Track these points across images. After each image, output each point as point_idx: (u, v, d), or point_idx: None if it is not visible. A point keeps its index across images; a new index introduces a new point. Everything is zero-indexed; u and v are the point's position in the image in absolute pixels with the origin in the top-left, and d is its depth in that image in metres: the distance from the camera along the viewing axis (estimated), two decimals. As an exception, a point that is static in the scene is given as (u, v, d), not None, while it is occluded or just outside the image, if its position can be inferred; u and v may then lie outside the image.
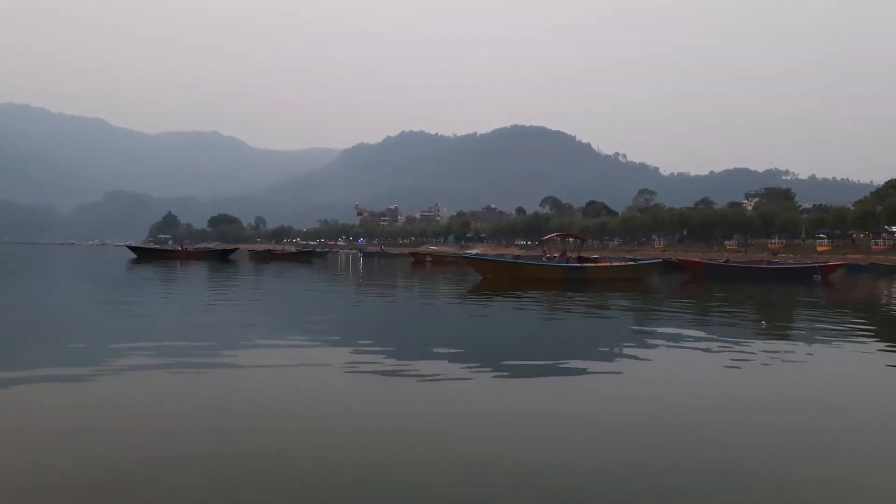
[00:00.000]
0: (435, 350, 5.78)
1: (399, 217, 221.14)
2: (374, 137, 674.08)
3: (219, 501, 2.35)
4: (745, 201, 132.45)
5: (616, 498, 2.44)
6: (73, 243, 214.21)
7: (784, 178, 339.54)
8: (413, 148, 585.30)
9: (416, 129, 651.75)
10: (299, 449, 2.91)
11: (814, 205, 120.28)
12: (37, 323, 7.49)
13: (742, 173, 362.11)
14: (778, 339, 7.23)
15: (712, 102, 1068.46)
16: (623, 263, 23.99)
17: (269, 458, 2.75)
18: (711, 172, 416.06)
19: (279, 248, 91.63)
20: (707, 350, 5.99)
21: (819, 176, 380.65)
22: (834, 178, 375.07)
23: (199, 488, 2.44)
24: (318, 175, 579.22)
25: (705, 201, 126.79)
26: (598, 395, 4.20)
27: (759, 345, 6.46)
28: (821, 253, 77.74)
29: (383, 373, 4.65)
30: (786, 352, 6.09)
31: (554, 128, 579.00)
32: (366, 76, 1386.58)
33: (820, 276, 25.71)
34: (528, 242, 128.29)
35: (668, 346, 6.27)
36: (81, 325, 7.40)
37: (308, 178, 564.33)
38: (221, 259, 39.65)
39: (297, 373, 4.66)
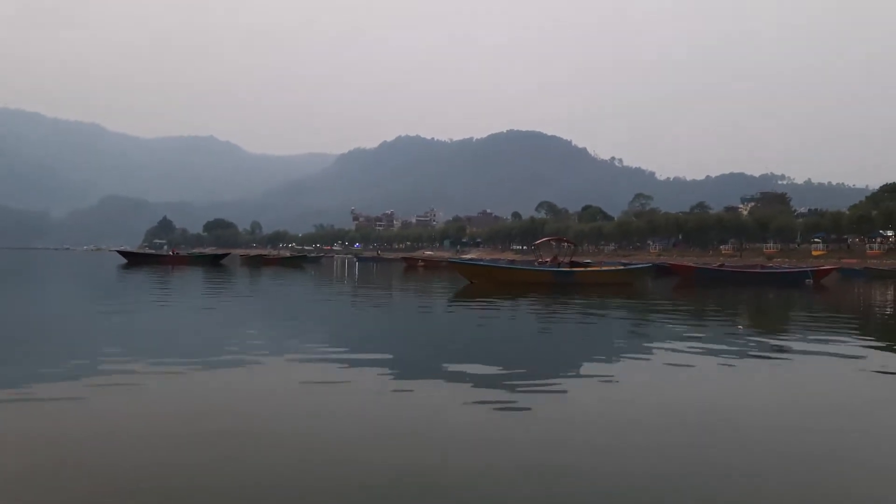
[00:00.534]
0: (410, 355, 5.58)
1: (395, 222, 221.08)
2: (371, 142, 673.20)
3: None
4: (741, 206, 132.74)
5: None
6: (68, 248, 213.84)
7: (780, 182, 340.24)
8: (409, 153, 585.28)
9: (412, 133, 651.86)
10: (280, 460, 2.81)
11: (809, 209, 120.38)
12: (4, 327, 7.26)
13: (738, 178, 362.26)
14: (757, 342, 7.06)
15: (709, 107, 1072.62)
16: (612, 268, 23.86)
17: (251, 471, 2.67)
18: (708, 177, 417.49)
19: (273, 252, 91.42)
20: (682, 352, 5.83)
21: (815, 180, 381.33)
22: (830, 182, 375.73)
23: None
24: (314, 180, 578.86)
25: (701, 206, 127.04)
26: (568, 401, 4.01)
27: (736, 348, 6.32)
28: (816, 257, 77.80)
29: (360, 380, 4.51)
30: (762, 357, 5.93)
31: (550, 132, 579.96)
32: (362, 81, 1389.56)
33: (812, 281, 25.64)
34: (524, 247, 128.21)
35: (643, 353, 6.10)
36: (52, 331, 7.19)
37: (304, 183, 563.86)
38: (212, 264, 39.51)
39: (261, 381, 4.48)
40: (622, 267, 24.70)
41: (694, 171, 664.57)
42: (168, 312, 9.50)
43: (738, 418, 3.68)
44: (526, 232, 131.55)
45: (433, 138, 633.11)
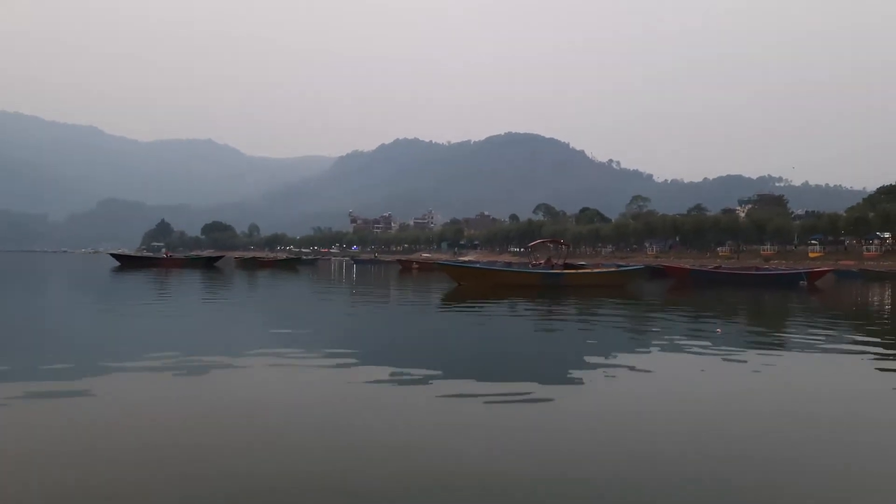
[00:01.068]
0: (395, 358, 5.46)
1: (393, 224, 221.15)
2: (369, 145, 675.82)
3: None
4: (738, 208, 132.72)
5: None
6: (65, 251, 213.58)
7: (777, 184, 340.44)
8: (407, 155, 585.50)
9: (410, 136, 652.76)
10: (277, 462, 2.79)
11: (806, 211, 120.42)
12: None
13: (735, 180, 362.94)
14: (741, 344, 6.92)
15: (706, 109, 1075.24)
16: (603, 270, 23.65)
17: (247, 473, 2.68)
18: (705, 179, 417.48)
19: (270, 255, 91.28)
20: (670, 354, 5.71)
21: (812, 182, 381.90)
22: (827, 184, 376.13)
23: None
24: (312, 183, 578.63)
25: (698, 208, 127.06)
26: (551, 408, 3.87)
27: (716, 350, 6.19)
28: (813, 259, 77.77)
29: (346, 383, 4.43)
30: (742, 361, 5.81)
31: (547, 135, 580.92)
32: (360, 84, 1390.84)
33: (806, 283, 25.54)
34: (521, 249, 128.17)
35: (629, 356, 5.97)
36: (31, 332, 7.04)
37: (302, 186, 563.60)
38: (207, 266, 39.40)
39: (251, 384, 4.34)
40: (613, 269, 24.45)
41: (692, 173, 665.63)
42: (166, 316, 9.35)
43: (727, 421, 3.61)
44: (523, 234, 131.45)
45: (431, 141, 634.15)
